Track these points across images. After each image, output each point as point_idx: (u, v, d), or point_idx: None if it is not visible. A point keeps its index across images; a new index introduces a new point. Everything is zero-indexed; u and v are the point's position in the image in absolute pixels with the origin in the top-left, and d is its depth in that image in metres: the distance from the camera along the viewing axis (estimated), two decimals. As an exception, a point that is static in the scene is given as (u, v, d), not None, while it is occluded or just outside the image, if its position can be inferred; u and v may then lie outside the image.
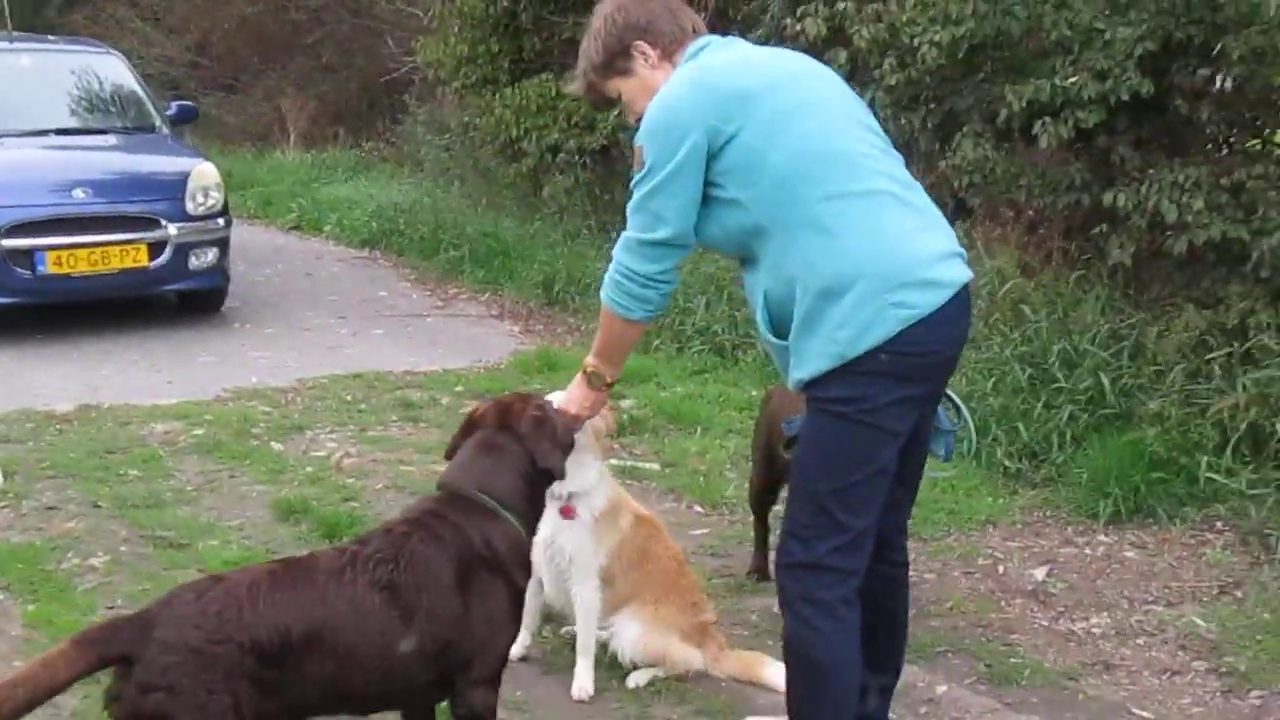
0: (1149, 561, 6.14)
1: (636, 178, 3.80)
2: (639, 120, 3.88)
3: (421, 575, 3.71)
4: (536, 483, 4.05)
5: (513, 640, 4.03)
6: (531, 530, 4.06)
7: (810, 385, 3.73)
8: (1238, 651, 5.24)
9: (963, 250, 3.86)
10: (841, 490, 3.73)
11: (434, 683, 3.82)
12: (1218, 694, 5.02)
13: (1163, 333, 7.27)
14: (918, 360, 3.70)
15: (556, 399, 4.35)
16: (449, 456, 4.20)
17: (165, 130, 12.27)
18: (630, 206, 3.84)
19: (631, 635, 4.96)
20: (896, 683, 4.35)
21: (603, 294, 3.91)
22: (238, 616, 3.48)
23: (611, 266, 3.87)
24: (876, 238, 3.66)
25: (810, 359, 3.68)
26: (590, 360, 4.11)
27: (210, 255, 10.84)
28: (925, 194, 3.90)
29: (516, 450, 4.00)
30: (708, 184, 3.77)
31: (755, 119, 3.70)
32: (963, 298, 3.74)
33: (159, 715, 3.36)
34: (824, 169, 3.69)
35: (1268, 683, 5.03)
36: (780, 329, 3.78)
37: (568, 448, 4.14)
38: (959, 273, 3.76)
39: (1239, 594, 5.76)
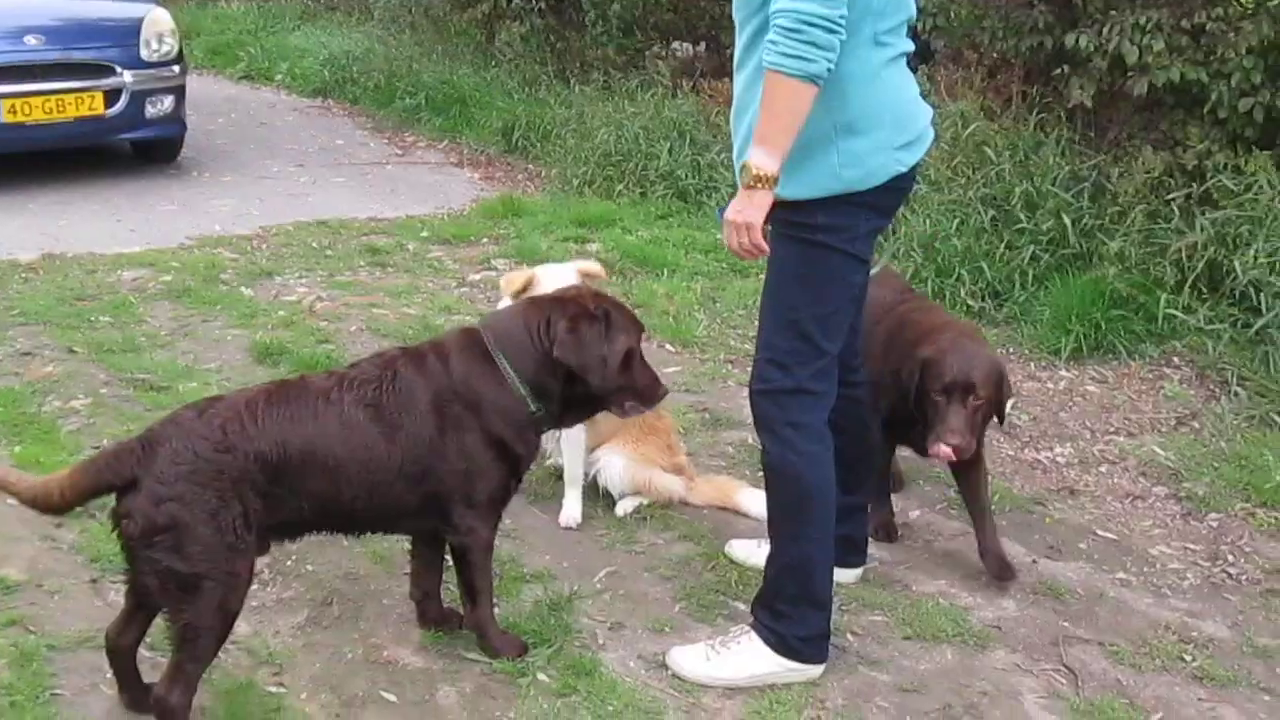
0: (1109, 395, 6.32)
1: None
2: None
3: (403, 397, 3.83)
4: (557, 367, 3.93)
5: (500, 486, 4.02)
6: (544, 404, 3.95)
7: (790, 206, 3.75)
8: (1196, 478, 5.45)
9: None
10: (824, 316, 3.86)
11: (423, 508, 3.93)
12: (1177, 517, 5.23)
13: (1123, 174, 7.38)
14: (897, 194, 3.93)
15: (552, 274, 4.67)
16: None
17: (114, -25, 12.02)
18: None
19: (617, 467, 5.12)
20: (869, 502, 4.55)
21: (773, 60, 3.47)
22: (241, 429, 3.60)
23: (782, 22, 3.45)
24: (902, 95, 3.84)
25: (803, 183, 3.72)
26: (752, 159, 3.60)
27: (167, 103, 10.71)
28: None
29: (545, 325, 3.95)
30: None
31: None
32: None
33: (174, 525, 3.46)
34: (892, 9, 3.74)
35: (1224, 506, 5.25)
36: None
37: (602, 359, 3.92)
38: (932, 132, 3.99)
39: (1196, 425, 5.96)
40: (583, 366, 3.91)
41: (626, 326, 4.00)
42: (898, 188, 3.87)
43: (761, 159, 3.58)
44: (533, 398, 3.93)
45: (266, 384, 3.93)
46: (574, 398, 4.02)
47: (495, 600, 4.19)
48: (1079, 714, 3.97)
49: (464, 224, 9.37)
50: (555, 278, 4.87)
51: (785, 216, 3.79)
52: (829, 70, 3.50)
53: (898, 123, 3.78)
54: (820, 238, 3.77)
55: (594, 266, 5.14)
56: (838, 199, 3.74)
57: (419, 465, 3.84)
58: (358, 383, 3.83)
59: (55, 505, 3.56)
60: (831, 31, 3.45)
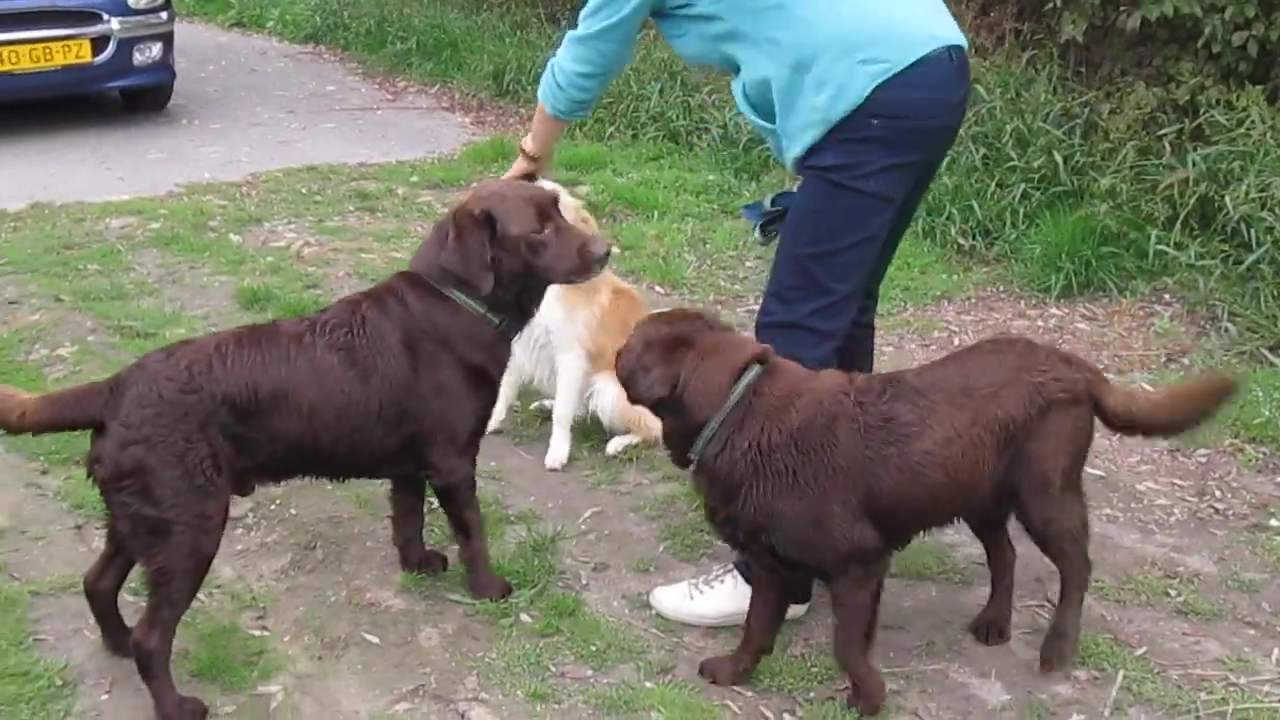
0: (1099, 332, 6.30)
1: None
2: None
3: (375, 340, 3.79)
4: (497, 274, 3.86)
5: (478, 417, 4.01)
6: (503, 313, 3.91)
7: (807, 159, 3.82)
8: (1185, 414, 5.42)
9: (950, 19, 3.90)
10: (828, 255, 3.83)
11: (402, 451, 3.90)
12: (1165, 453, 5.20)
13: (1114, 111, 7.32)
14: (908, 125, 3.76)
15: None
16: None
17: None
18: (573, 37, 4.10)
19: (610, 396, 5.10)
20: None
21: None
22: (208, 370, 3.57)
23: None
24: (835, 6, 3.73)
25: (798, 134, 3.79)
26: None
27: (154, 50, 10.64)
28: None
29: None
30: (679, 5, 3.88)
31: None
32: (946, 64, 3.76)
33: (140, 469, 3.44)
34: None
35: (1212, 442, 5.22)
36: (767, 115, 3.89)
37: (483, 263, 3.81)
38: (937, 31, 3.79)
39: (1185, 361, 5.93)
40: (469, 275, 3.82)
41: (515, 215, 3.83)
42: (902, 116, 3.72)
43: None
44: (492, 312, 3.89)
45: (238, 328, 3.90)
46: (526, 288, 3.95)
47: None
48: (1062, 649, 3.96)
49: (453, 168, 9.34)
50: None
51: (807, 164, 3.84)
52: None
53: (842, 33, 3.70)
54: (832, 177, 3.78)
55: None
56: (839, 136, 3.73)
57: (396, 408, 3.81)
58: (329, 327, 3.79)
59: (12, 423, 3.52)
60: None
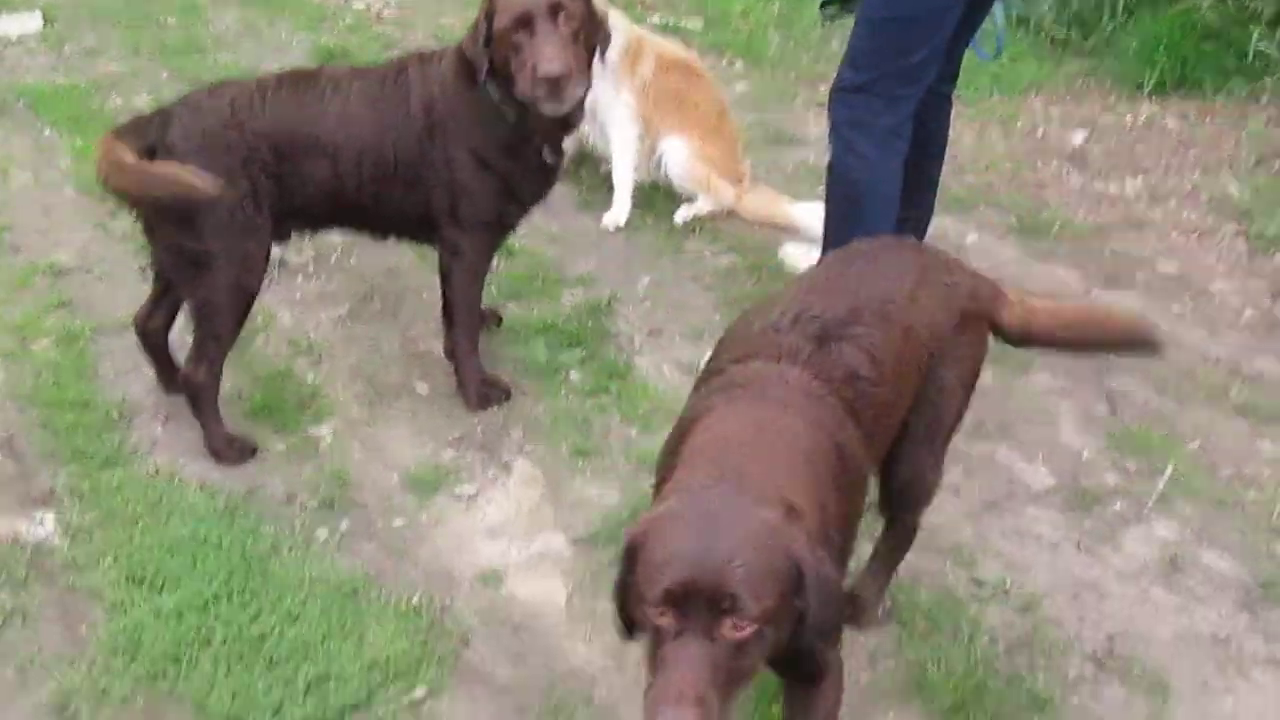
0: (1189, 130, 6.10)
1: None
2: None
3: (400, 96, 3.68)
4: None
5: (489, 207, 3.77)
6: (518, 110, 3.64)
7: None
8: (1268, 217, 5.26)
9: None
10: (902, 19, 3.73)
11: (422, 217, 3.78)
12: (1243, 254, 5.07)
13: (1225, -101, 6.99)
14: None
15: None
16: None
17: None
18: None
19: (679, 156, 5.10)
20: (929, 219, 4.41)
21: None
22: (249, 106, 3.55)
23: None
24: None
25: None
26: None
27: None
28: None
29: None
30: None
31: None
32: None
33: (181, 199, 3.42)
34: None
35: (1293, 245, 5.09)
36: None
37: (473, 38, 3.59)
38: None
39: (1276, 165, 5.74)
40: (470, 54, 3.60)
41: (504, 9, 3.52)
42: None
43: None
44: (510, 106, 3.63)
45: (284, 70, 3.85)
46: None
47: (531, 305, 4.17)
48: (1114, 439, 3.92)
49: (541, -64, 9.10)
50: None
51: None
52: None
53: None
54: None
55: None
56: None
57: (411, 169, 3.70)
58: (368, 75, 3.73)
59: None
60: None
